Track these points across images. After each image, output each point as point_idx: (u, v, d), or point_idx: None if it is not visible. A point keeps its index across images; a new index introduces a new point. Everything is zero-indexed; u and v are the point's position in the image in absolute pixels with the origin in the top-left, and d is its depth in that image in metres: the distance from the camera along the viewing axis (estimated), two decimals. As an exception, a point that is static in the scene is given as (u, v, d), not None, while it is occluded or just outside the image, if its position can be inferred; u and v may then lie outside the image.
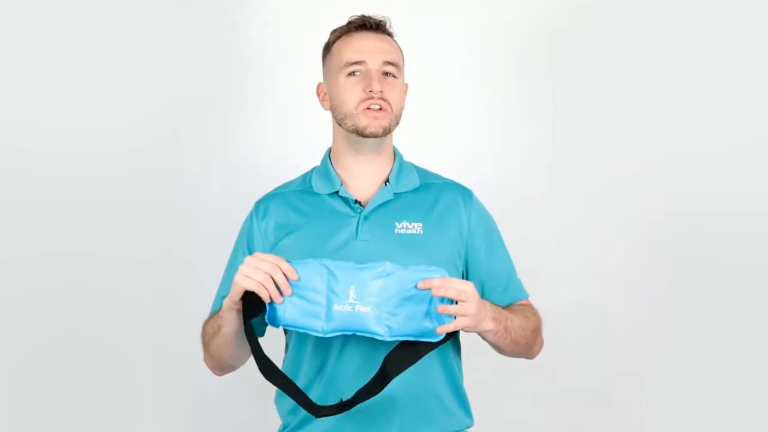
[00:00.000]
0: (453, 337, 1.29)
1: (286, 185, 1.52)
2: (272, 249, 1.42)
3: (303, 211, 1.43)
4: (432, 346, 1.25)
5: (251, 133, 2.27)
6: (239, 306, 1.28)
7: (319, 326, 1.25)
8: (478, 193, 1.53)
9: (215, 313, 1.42)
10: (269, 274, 1.23)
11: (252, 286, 1.23)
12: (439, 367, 1.41)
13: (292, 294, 1.25)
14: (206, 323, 1.44)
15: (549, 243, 2.26)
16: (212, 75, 2.25)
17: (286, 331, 1.49)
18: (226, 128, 2.26)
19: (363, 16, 1.44)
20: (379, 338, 1.24)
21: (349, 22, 1.45)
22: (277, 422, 1.51)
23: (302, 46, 2.23)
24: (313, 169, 1.52)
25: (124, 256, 2.08)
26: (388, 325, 1.24)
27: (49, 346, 1.99)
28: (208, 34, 2.24)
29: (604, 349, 2.25)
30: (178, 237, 2.19)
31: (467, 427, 1.46)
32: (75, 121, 2.04)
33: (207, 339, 1.42)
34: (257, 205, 1.49)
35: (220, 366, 1.48)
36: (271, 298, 1.24)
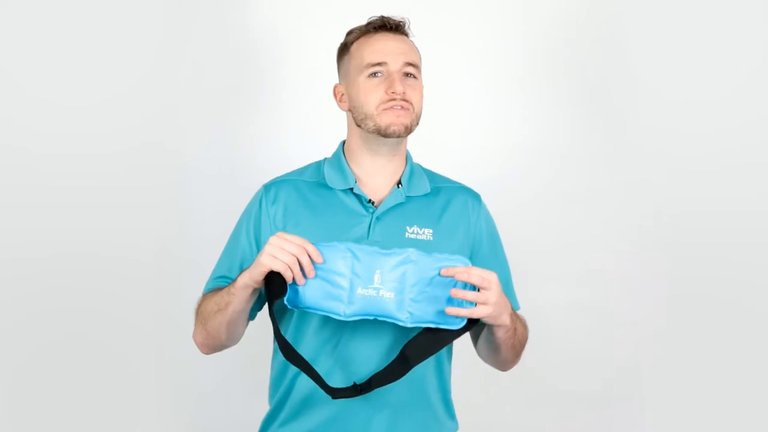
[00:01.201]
0: (475, 325, 1.28)
1: (297, 173, 1.49)
2: None
3: (314, 202, 1.42)
4: (454, 334, 1.26)
5: (251, 133, 2.27)
6: (260, 285, 1.27)
7: (340, 309, 1.25)
8: (479, 194, 1.53)
9: (217, 289, 1.40)
10: (295, 256, 1.22)
11: (279, 267, 1.22)
12: (434, 372, 1.41)
13: (315, 276, 1.25)
14: (207, 299, 1.41)
15: (549, 243, 2.26)
16: (212, 75, 2.24)
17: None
18: (225, 128, 2.26)
19: (382, 17, 1.43)
20: (401, 324, 1.25)
21: (369, 23, 1.44)
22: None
23: (303, 46, 2.24)
24: (325, 160, 1.50)
25: (124, 256, 2.08)
26: (410, 311, 1.24)
27: (50, 346, 1.99)
28: (208, 34, 2.24)
29: (603, 349, 2.25)
30: (178, 237, 2.19)
31: (454, 431, 1.46)
32: (75, 121, 2.04)
33: (207, 315, 1.38)
34: (267, 188, 1.46)
35: (213, 344, 1.45)
36: (294, 279, 1.23)
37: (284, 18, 2.26)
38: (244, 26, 2.27)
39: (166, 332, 2.14)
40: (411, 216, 1.42)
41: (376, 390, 1.29)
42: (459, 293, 1.22)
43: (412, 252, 1.25)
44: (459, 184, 1.52)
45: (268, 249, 1.23)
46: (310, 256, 1.23)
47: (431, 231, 1.40)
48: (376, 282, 1.24)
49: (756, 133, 2.09)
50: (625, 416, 2.24)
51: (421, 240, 1.39)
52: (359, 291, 1.25)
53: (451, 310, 1.22)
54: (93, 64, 2.06)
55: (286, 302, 1.26)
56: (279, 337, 1.29)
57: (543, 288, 2.19)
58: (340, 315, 1.25)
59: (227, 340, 1.44)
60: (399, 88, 1.37)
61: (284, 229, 1.40)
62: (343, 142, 1.50)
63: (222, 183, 2.22)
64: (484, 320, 1.27)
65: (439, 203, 1.46)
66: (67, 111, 2.04)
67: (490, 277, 1.23)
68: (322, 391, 1.30)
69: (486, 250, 1.46)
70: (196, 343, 1.47)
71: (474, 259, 1.44)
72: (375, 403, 1.34)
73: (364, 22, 1.46)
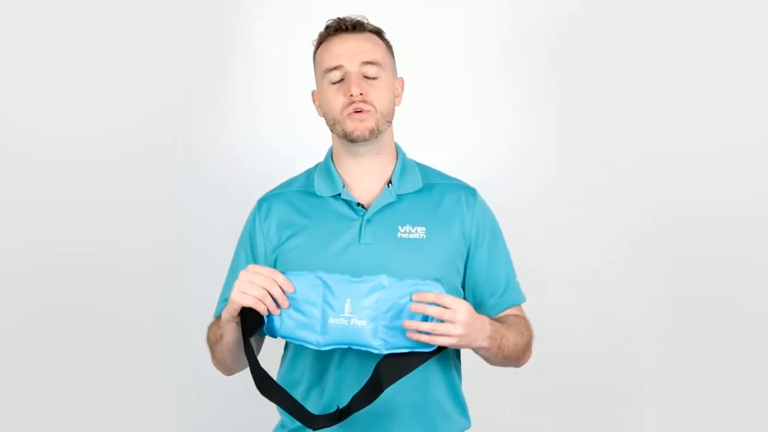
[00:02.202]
0: (445, 349, 1.26)
1: (289, 184, 1.50)
2: (274, 251, 1.41)
3: (305, 213, 1.42)
4: (423, 357, 1.24)
5: (251, 133, 2.27)
6: (237, 320, 1.27)
7: (314, 339, 1.24)
8: (476, 189, 1.52)
9: (218, 317, 1.41)
10: (265, 289, 1.22)
11: (249, 302, 1.22)
12: (439, 373, 1.40)
13: (289, 306, 1.24)
14: (210, 328, 1.43)
15: (549, 242, 2.26)
16: (212, 75, 2.25)
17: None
18: (225, 128, 2.26)
19: (339, 18, 1.42)
20: (375, 351, 1.23)
21: (327, 27, 1.44)
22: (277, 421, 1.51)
23: (302, 47, 2.23)
24: (317, 166, 1.50)
25: (124, 256, 2.08)
26: (383, 338, 1.23)
27: (50, 346, 2.00)
28: (208, 34, 2.24)
29: (603, 348, 2.25)
30: (178, 237, 2.19)
31: (465, 429, 1.45)
32: (75, 121, 2.04)
33: (211, 345, 1.41)
34: (260, 204, 1.47)
35: (227, 369, 1.47)
36: (268, 310, 1.23)
37: (285, 18, 2.26)
38: (244, 26, 2.27)
39: (166, 332, 2.14)
40: (403, 215, 1.40)
41: (383, 393, 1.28)
42: (412, 324, 1.20)
43: (384, 278, 1.23)
44: (454, 180, 1.50)
45: (237, 285, 1.22)
46: (281, 287, 1.22)
47: (424, 229, 1.39)
48: (347, 311, 1.23)
49: (756, 133, 2.09)
50: (625, 416, 2.24)
51: (414, 239, 1.38)
52: (331, 320, 1.23)
53: (412, 335, 1.21)
54: (93, 64, 2.06)
55: (265, 331, 1.26)
56: (255, 371, 1.28)
57: (543, 288, 2.19)
58: (313, 344, 1.24)
59: (236, 366, 1.44)
60: (354, 90, 1.35)
61: (279, 244, 1.40)
62: (332, 149, 1.49)
63: (222, 183, 2.22)
64: (454, 347, 1.25)
65: (432, 200, 1.44)
66: (67, 111, 2.04)
67: (457, 307, 1.20)
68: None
69: (483, 246, 1.44)
70: (216, 369, 1.49)
71: (471, 256, 1.43)
72: (382, 406, 1.33)
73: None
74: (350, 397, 1.26)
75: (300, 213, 1.42)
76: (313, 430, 1.25)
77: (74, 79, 2.04)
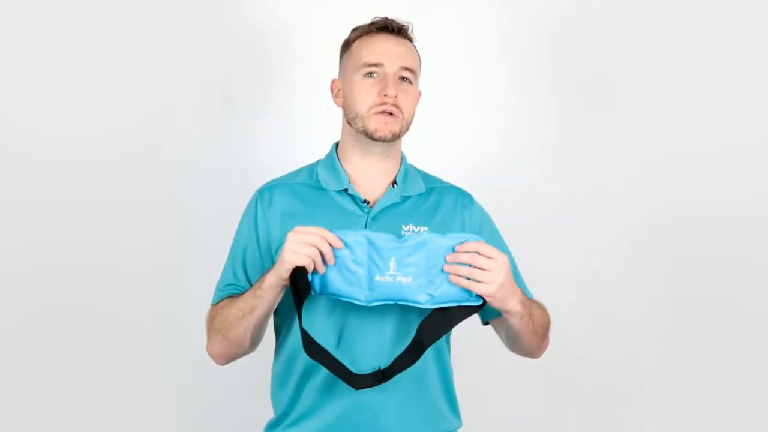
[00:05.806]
0: (484, 305, 1.27)
1: (291, 176, 1.50)
2: (279, 239, 1.40)
3: (310, 204, 1.43)
4: (464, 313, 1.26)
5: (252, 133, 2.27)
6: (287, 283, 1.27)
7: (362, 296, 1.26)
8: (478, 194, 1.53)
9: (231, 297, 1.40)
10: (316, 246, 1.23)
11: (303, 262, 1.23)
12: (435, 370, 1.41)
13: (336, 263, 1.25)
14: (223, 309, 1.40)
15: (549, 242, 2.26)
16: (211, 75, 2.24)
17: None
18: (225, 128, 2.26)
19: (386, 18, 1.44)
20: (421, 306, 1.25)
21: (372, 23, 1.45)
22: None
23: (303, 45, 2.24)
24: (318, 162, 1.51)
25: (124, 256, 2.08)
26: (429, 293, 1.25)
27: (50, 346, 1.99)
28: (208, 34, 2.24)
29: (603, 349, 2.25)
30: (178, 237, 2.18)
31: (457, 428, 1.46)
32: (75, 121, 2.04)
33: (229, 324, 1.37)
34: (261, 192, 1.47)
35: (234, 353, 1.43)
36: (315, 269, 1.24)
37: (284, 17, 2.26)
38: (244, 26, 2.27)
39: (166, 332, 2.14)
40: (406, 215, 1.43)
41: (382, 385, 1.30)
42: (452, 268, 1.22)
43: (426, 234, 1.25)
44: (451, 184, 1.54)
45: (288, 246, 1.23)
46: (330, 244, 1.24)
47: (426, 229, 1.40)
48: (392, 269, 1.25)
49: (756, 133, 2.10)
50: (625, 416, 2.24)
51: None
52: (377, 278, 1.25)
53: (453, 278, 1.23)
54: (93, 64, 2.06)
55: (313, 289, 1.27)
56: (303, 332, 1.28)
57: (543, 288, 2.18)
58: (361, 301, 1.27)
59: (251, 346, 1.43)
60: (391, 91, 1.37)
61: (282, 233, 1.39)
62: (336, 144, 1.51)
63: (222, 183, 2.22)
64: (492, 304, 1.26)
65: (432, 202, 1.47)
66: (67, 111, 2.04)
67: (497, 256, 1.22)
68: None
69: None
70: (212, 355, 1.45)
71: None
72: (381, 398, 1.35)
73: (364, 20, 1.47)
74: (364, 358, 1.31)
75: (304, 203, 1.43)
76: (356, 389, 1.28)
77: (74, 79, 2.04)
